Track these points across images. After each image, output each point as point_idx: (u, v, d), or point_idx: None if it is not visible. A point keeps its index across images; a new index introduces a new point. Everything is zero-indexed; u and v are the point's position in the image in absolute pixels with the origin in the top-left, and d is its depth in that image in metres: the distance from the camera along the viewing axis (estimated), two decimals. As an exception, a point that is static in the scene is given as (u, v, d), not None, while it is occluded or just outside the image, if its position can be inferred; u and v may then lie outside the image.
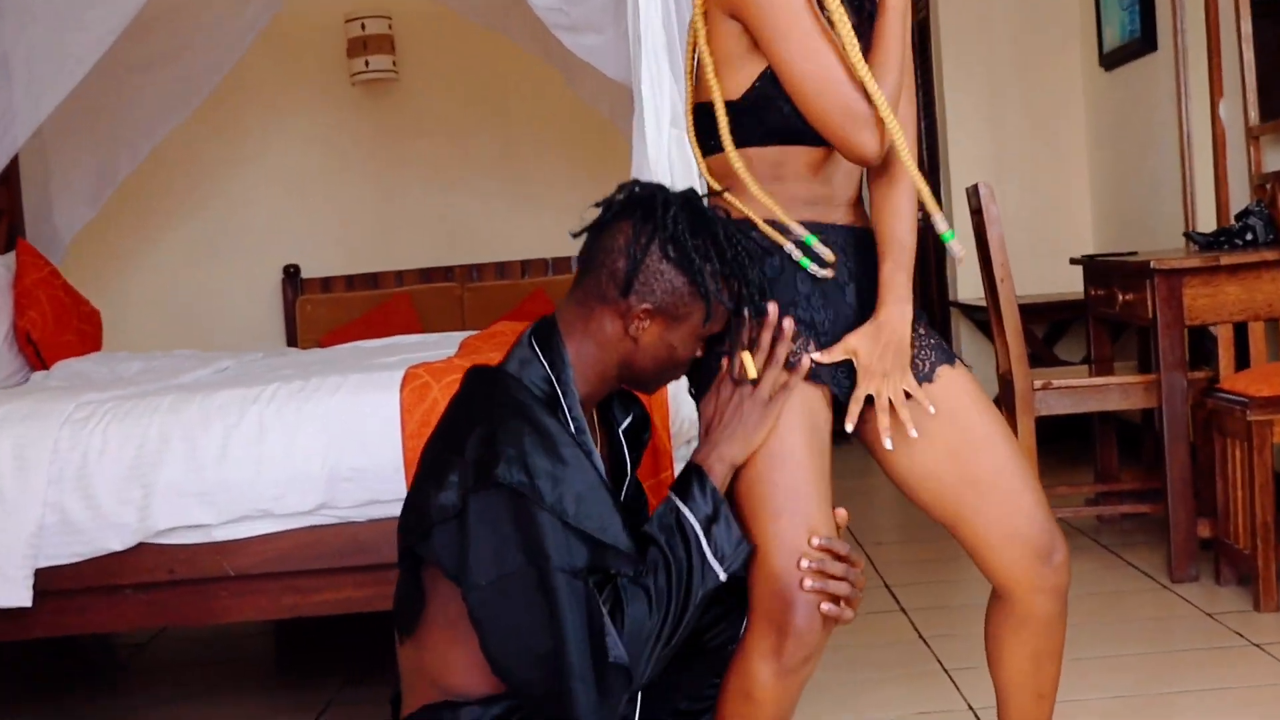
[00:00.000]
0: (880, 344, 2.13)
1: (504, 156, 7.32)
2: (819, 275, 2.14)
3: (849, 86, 2.02)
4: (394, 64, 7.23)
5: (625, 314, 2.10)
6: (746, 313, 2.12)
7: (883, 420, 2.13)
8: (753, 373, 2.10)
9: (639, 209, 2.11)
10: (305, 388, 3.16)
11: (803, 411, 2.12)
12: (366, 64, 7.12)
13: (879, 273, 2.18)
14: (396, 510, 2.78)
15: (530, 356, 2.12)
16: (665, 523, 2.06)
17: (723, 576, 2.05)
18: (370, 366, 3.56)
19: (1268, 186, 4.54)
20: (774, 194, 2.14)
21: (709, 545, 2.04)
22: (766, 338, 2.12)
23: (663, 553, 2.03)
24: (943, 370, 2.21)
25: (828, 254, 2.14)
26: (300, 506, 3.05)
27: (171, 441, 3.06)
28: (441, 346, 4.08)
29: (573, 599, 1.93)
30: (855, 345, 2.14)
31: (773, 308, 2.11)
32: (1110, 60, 6.16)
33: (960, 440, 2.17)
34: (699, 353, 2.17)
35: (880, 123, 2.03)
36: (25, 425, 3.10)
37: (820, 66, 2.03)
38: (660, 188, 2.14)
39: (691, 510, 2.06)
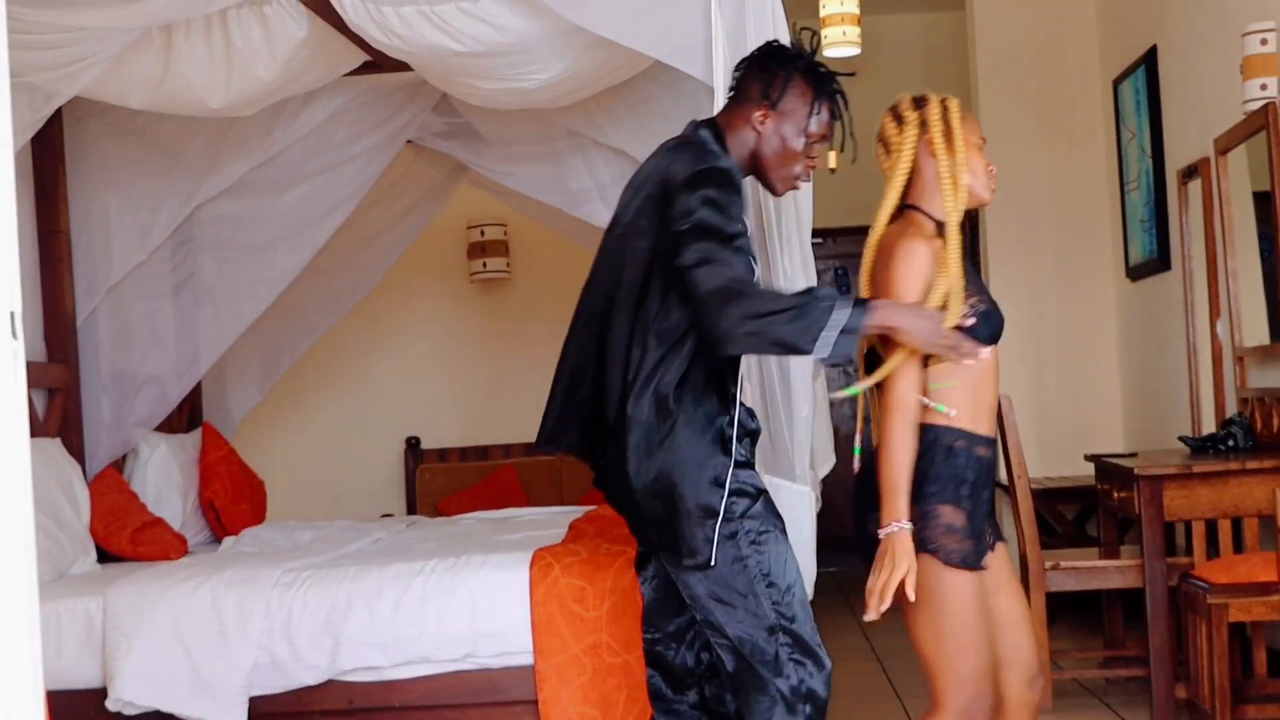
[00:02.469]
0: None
1: None
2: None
3: None
4: (507, 265, 8.06)
5: (751, 112, 3.30)
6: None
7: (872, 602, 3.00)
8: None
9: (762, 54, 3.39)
10: (457, 564, 4.09)
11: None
12: (484, 265, 7.97)
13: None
14: (526, 660, 3.74)
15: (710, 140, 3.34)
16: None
17: (811, 349, 2.99)
18: (500, 545, 4.47)
19: (1249, 401, 5.33)
20: None
21: (831, 318, 2.97)
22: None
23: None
24: (999, 546, 3.16)
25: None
26: (451, 655, 3.97)
27: (355, 604, 3.99)
28: (552, 525, 5.00)
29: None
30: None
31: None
32: (1135, 273, 6.91)
33: (1002, 594, 3.13)
34: (809, 156, 3.34)
35: None
36: (244, 588, 4.05)
37: None
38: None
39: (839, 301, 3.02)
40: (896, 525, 2.95)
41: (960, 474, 3.03)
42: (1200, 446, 5.20)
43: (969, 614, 2.97)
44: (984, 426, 3.10)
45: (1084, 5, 7.44)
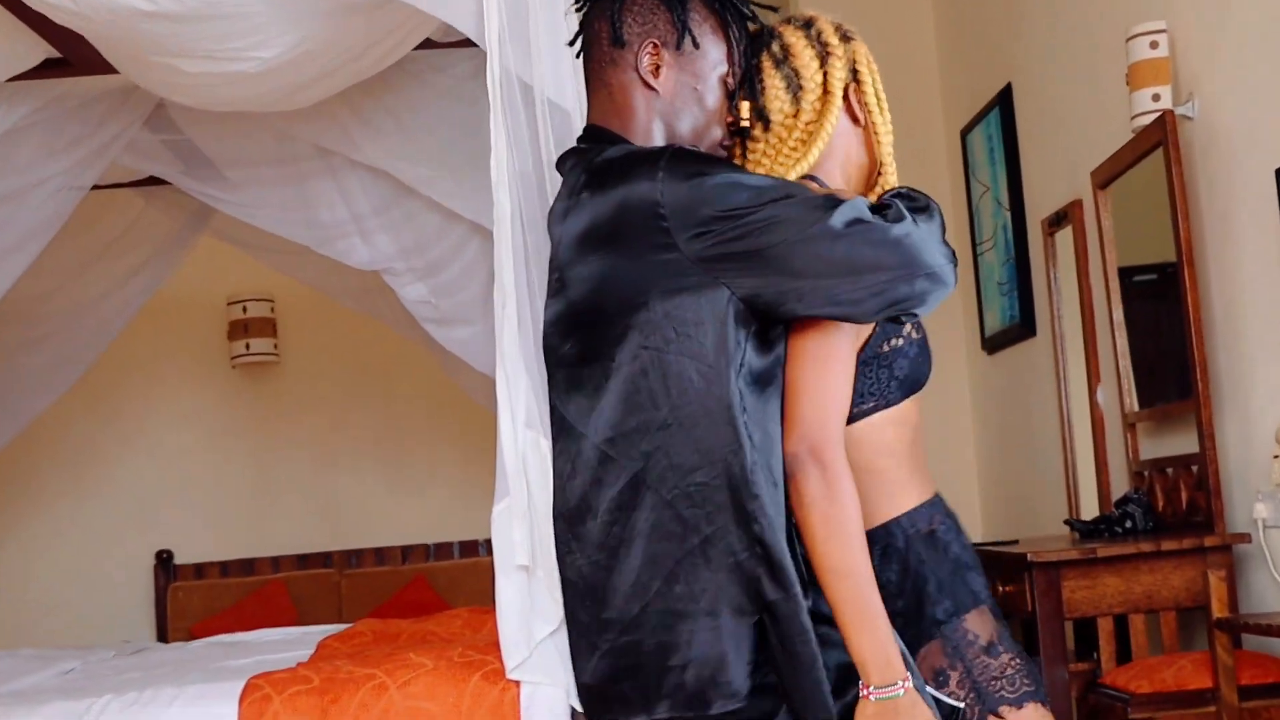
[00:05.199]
0: None
1: (385, 440, 7.34)
2: None
3: None
4: (275, 346, 7.28)
5: (634, 65, 2.23)
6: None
7: None
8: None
9: None
10: (139, 699, 2.99)
11: None
12: (247, 347, 7.16)
13: None
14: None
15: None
16: None
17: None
18: (218, 672, 3.39)
19: (1146, 474, 4.55)
20: None
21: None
22: None
23: None
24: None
25: None
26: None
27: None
28: (300, 646, 3.92)
29: None
30: None
31: None
32: (992, 344, 6.23)
33: None
34: (736, 111, 2.31)
35: None
36: None
37: None
38: None
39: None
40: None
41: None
42: (1092, 531, 4.41)
43: None
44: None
45: (925, 53, 6.76)
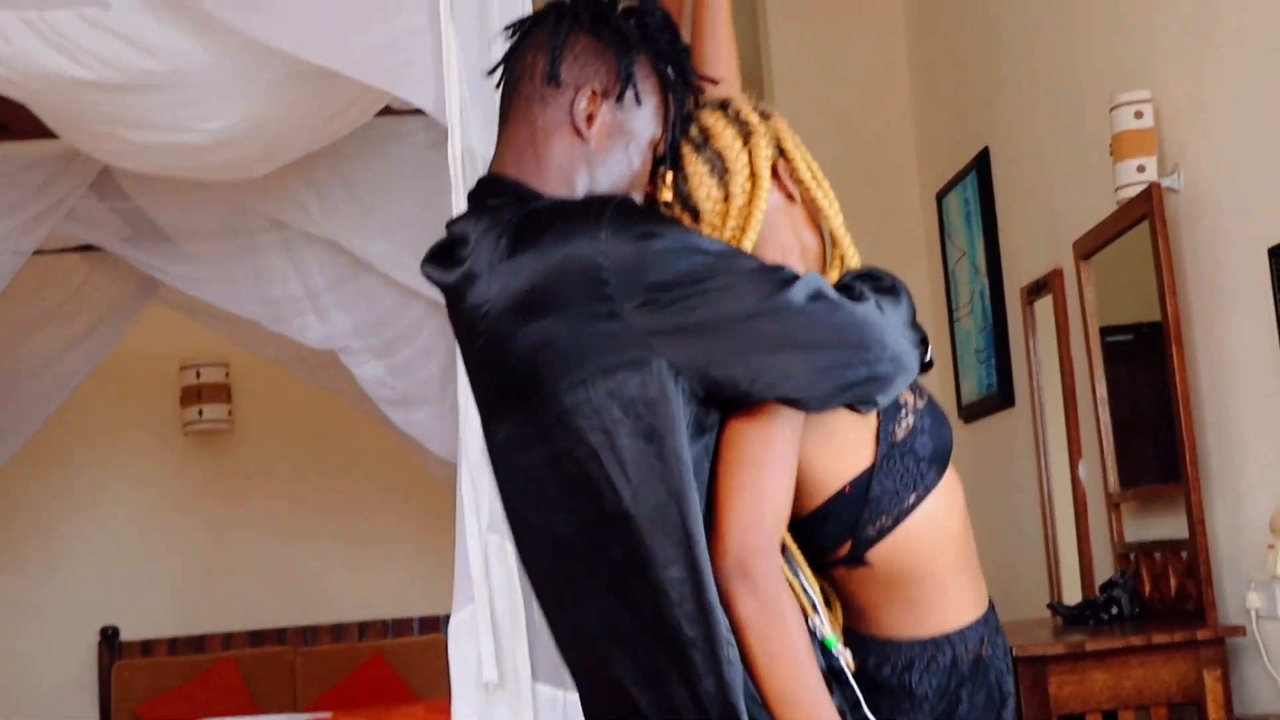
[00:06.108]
0: None
1: (343, 511, 7.18)
2: None
3: None
4: (229, 413, 7.15)
5: (568, 108, 2.03)
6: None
7: None
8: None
9: (548, 14, 2.08)
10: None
11: None
12: (200, 413, 7.03)
13: None
14: None
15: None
16: None
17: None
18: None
19: (1131, 557, 4.40)
20: None
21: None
22: None
23: None
24: None
25: None
26: None
27: None
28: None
29: None
30: None
31: None
32: (970, 412, 6.11)
33: None
34: (658, 181, 2.11)
35: None
36: None
37: None
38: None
39: None
40: None
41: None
42: (1076, 616, 4.28)
43: None
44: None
45: (900, 114, 6.65)
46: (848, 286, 1.96)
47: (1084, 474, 4.87)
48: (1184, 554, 4.03)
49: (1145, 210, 4.06)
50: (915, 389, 2.10)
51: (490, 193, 2.07)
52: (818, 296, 1.90)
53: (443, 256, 2.07)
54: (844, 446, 2.03)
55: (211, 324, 4.91)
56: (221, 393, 7.09)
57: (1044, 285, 5.07)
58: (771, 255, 2.10)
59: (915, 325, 2.00)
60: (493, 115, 2.57)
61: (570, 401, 1.89)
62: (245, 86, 3.00)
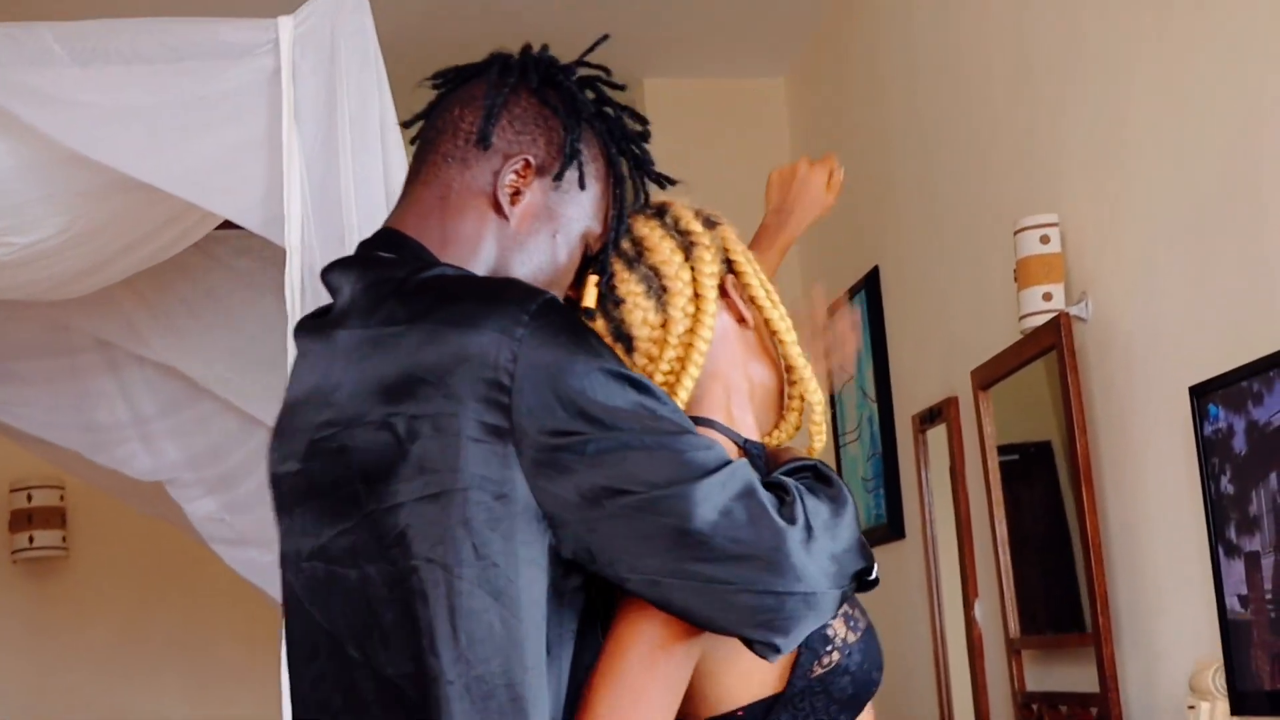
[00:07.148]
0: None
1: (188, 646, 6.83)
2: None
3: None
4: (64, 539, 6.79)
5: (492, 176, 1.74)
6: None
7: None
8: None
9: (490, 65, 1.79)
10: None
11: None
12: (31, 540, 6.67)
13: None
14: None
15: None
16: None
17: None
18: None
19: (1035, 708, 4.15)
20: None
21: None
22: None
23: None
24: None
25: None
26: None
27: None
28: None
29: None
30: None
31: None
32: (855, 543, 5.88)
33: None
34: (581, 287, 1.80)
35: None
36: None
37: None
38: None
39: None
40: None
41: None
42: (977, 777, 3.98)
43: None
44: None
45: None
46: (782, 489, 1.63)
47: (980, 615, 4.65)
48: (1094, 709, 3.79)
49: (1052, 341, 3.84)
50: (850, 620, 1.78)
51: (384, 246, 1.74)
52: (744, 495, 1.58)
53: (318, 320, 1.74)
54: (752, 665, 1.69)
55: (34, 448, 4.54)
56: (55, 517, 6.76)
57: (938, 413, 4.87)
58: (715, 397, 1.78)
59: (859, 547, 1.71)
60: (340, 236, 2.26)
61: (412, 521, 1.55)
62: (58, 196, 2.63)
